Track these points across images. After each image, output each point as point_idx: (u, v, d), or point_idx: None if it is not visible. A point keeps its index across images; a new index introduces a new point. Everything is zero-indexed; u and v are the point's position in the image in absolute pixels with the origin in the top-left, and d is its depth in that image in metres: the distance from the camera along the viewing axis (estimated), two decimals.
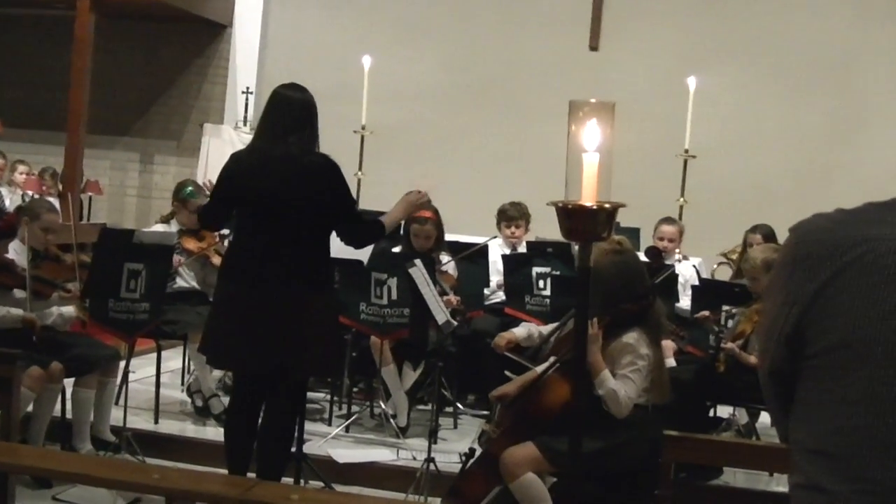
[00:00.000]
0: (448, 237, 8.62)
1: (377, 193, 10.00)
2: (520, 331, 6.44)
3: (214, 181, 6.20)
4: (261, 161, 5.79)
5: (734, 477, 6.87)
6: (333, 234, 5.99)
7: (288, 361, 5.82)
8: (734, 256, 9.35)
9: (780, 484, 6.32)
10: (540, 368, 5.71)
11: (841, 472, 1.77)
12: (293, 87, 6.00)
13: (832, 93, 12.29)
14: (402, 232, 8.39)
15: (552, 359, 5.71)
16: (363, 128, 10.99)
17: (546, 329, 6.43)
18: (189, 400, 8.15)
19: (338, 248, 6.16)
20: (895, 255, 1.74)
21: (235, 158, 6.04)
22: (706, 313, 7.57)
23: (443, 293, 7.79)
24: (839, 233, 1.82)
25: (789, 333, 1.87)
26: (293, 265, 5.76)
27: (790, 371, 1.90)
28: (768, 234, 8.77)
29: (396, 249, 8.35)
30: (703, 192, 11.03)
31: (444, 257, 8.37)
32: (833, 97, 12.29)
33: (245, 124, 13.41)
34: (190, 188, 8.37)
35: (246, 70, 13.96)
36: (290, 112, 5.85)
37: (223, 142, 13.36)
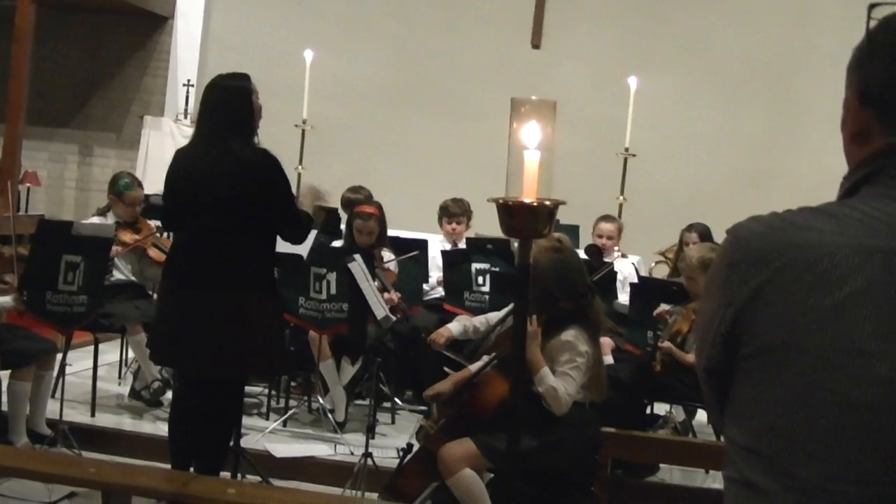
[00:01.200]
0: (389, 233, 8.61)
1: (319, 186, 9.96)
2: (455, 326, 6.46)
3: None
4: (203, 162, 5.75)
5: (670, 474, 6.92)
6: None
7: (233, 364, 5.81)
8: (671, 255, 9.42)
9: (715, 481, 6.38)
10: (475, 367, 5.73)
11: (771, 470, 1.80)
12: (227, 77, 5.97)
13: (769, 97, 12.41)
14: (343, 227, 8.40)
15: (486, 357, 5.73)
16: (304, 122, 10.97)
17: (479, 321, 6.46)
18: (126, 394, 8.10)
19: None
20: (825, 261, 1.77)
21: (180, 156, 5.99)
22: (666, 307, 7.61)
23: (384, 289, 7.79)
24: (772, 238, 1.86)
25: (723, 335, 1.90)
26: (236, 266, 5.73)
27: (725, 370, 1.93)
28: (704, 233, 8.84)
29: (337, 244, 8.34)
30: (641, 191, 11.11)
31: (386, 255, 8.36)
32: (770, 102, 12.40)
33: (186, 117, 13.32)
34: (125, 180, 8.29)
35: (187, 63, 13.86)
36: (225, 104, 5.81)
37: (163, 134, 13.29)
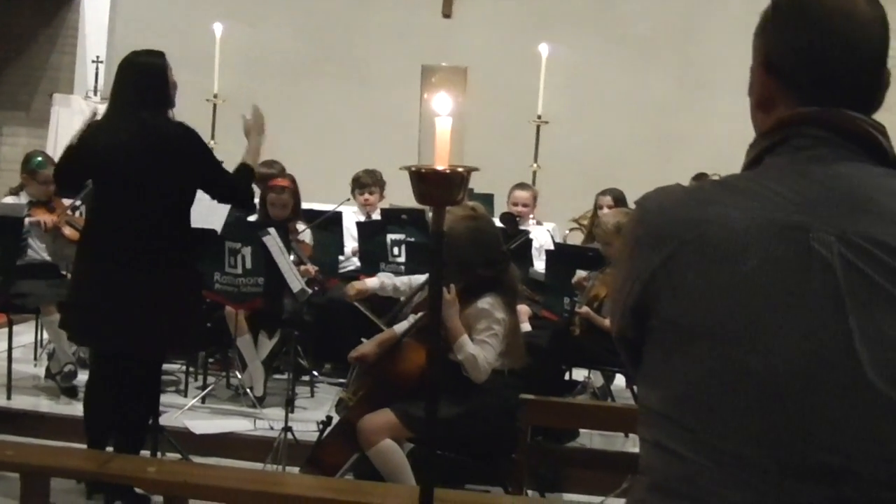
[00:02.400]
0: (303, 206, 8.56)
1: (231, 161, 9.90)
2: (372, 281, 6.47)
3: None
4: (118, 137, 5.66)
5: (590, 439, 6.97)
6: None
7: (150, 341, 5.76)
8: (585, 221, 9.47)
9: (635, 445, 6.40)
10: (399, 327, 5.74)
11: (684, 437, 1.83)
12: (141, 53, 5.89)
13: (678, 61, 12.47)
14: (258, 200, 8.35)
15: (412, 317, 5.73)
16: (215, 96, 10.88)
17: (401, 281, 6.46)
18: (42, 375, 8.00)
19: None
20: (728, 235, 1.80)
21: (93, 130, 5.92)
22: (583, 275, 7.64)
23: (300, 262, 7.77)
24: (677, 213, 1.88)
25: (632, 306, 1.93)
26: (152, 243, 5.66)
27: (636, 338, 1.95)
28: (618, 198, 8.89)
29: (251, 218, 8.29)
30: (555, 157, 11.13)
31: (301, 226, 8.33)
32: (679, 65, 12.47)
33: (96, 94, 13.12)
34: (39, 159, 8.19)
35: (96, 39, 13.65)
36: (140, 80, 5.74)
37: (73, 112, 13.07)
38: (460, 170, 2.94)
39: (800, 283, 1.76)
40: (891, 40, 1.92)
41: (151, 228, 5.66)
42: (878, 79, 1.91)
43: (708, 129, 11.80)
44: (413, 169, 2.94)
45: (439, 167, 2.91)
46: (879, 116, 1.91)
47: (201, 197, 5.99)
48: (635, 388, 7.15)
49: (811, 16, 1.87)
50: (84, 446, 5.86)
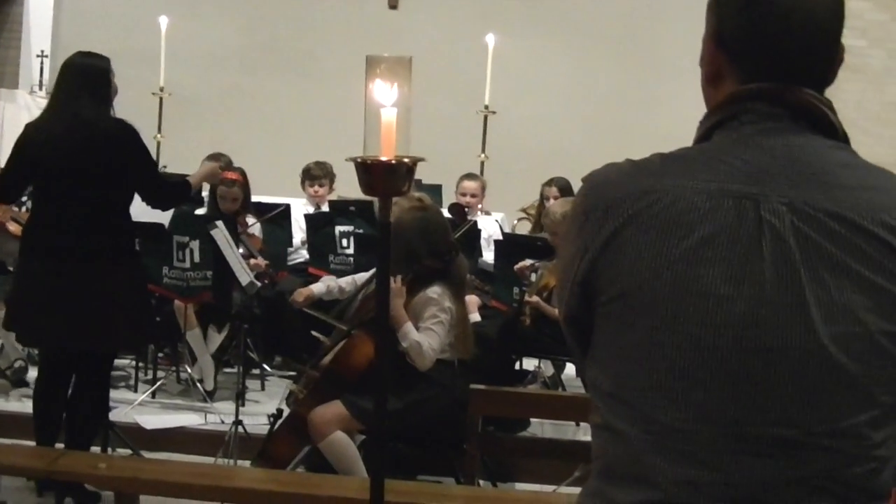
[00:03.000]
0: (252, 198, 8.54)
1: (178, 155, 9.88)
2: (318, 286, 6.46)
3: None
4: (56, 132, 5.65)
5: (542, 428, 7.00)
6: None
7: (97, 337, 5.73)
8: (532, 211, 9.49)
9: (586, 433, 6.46)
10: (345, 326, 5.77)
11: (631, 414, 1.83)
12: (86, 55, 5.88)
13: (624, 49, 12.49)
14: (206, 193, 8.32)
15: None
16: (161, 90, 10.82)
17: (345, 281, 6.48)
18: None
19: (138, 211, 6.08)
20: (678, 205, 1.80)
21: (31, 128, 5.88)
22: (526, 263, 7.66)
23: (250, 256, 7.77)
24: (627, 184, 1.88)
25: (581, 282, 1.92)
26: (94, 238, 5.64)
27: (585, 318, 1.95)
28: (564, 187, 8.91)
29: (200, 212, 8.25)
30: (503, 148, 11.14)
31: (250, 219, 8.31)
32: (625, 54, 12.48)
33: (41, 88, 13.00)
34: None
35: (40, 33, 13.53)
36: (83, 79, 5.73)
37: (18, 107, 12.96)
38: (406, 160, 2.95)
39: (752, 254, 1.76)
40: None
41: (92, 222, 5.64)
42: (830, 55, 1.91)
43: (655, 116, 11.83)
44: (359, 160, 2.95)
45: (384, 158, 2.92)
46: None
47: None
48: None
49: None
50: (33, 443, 5.84)
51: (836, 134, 1.88)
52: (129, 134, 5.74)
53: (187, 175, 6.30)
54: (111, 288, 5.67)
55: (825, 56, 1.91)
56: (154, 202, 6.06)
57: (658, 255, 1.80)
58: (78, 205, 5.61)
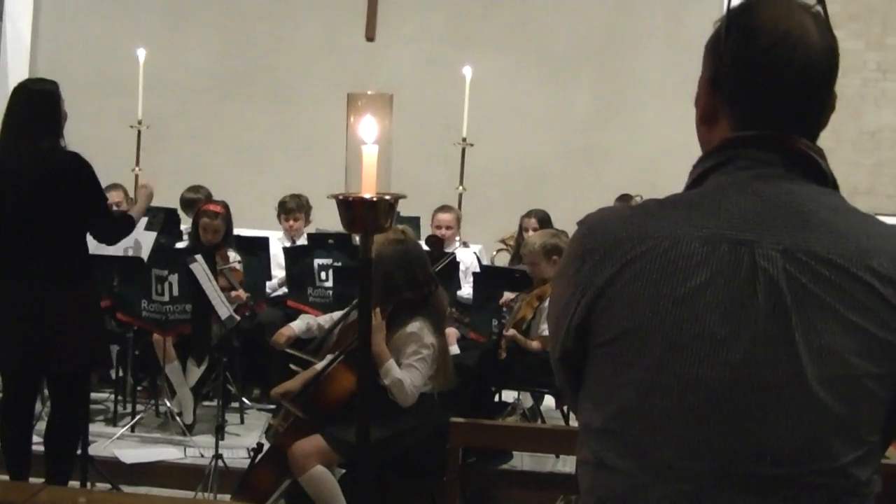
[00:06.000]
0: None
1: (156, 187, 9.86)
2: (298, 324, 6.45)
3: None
4: (12, 158, 5.69)
5: (521, 460, 6.99)
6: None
7: (49, 356, 5.74)
8: (511, 242, 9.51)
9: (566, 465, 6.47)
10: (320, 365, 5.74)
11: (626, 450, 1.86)
12: (39, 81, 6.00)
13: (600, 75, 12.49)
14: (186, 227, 8.31)
15: (329, 357, 5.74)
16: (139, 122, 10.80)
17: (324, 319, 6.47)
18: None
19: (117, 246, 6.10)
20: (675, 250, 1.83)
21: None
22: (511, 296, 7.68)
23: (231, 288, 7.76)
24: (624, 228, 1.90)
25: (578, 324, 1.94)
26: (46, 262, 5.67)
27: (579, 358, 1.97)
28: (543, 219, 8.95)
29: (181, 245, 8.25)
30: (481, 179, 11.15)
31: (231, 254, 8.30)
32: (601, 80, 12.48)
33: None
34: None
35: (17, 65, 13.52)
36: (38, 106, 5.78)
37: None
38: (387, 197, 2.97)
39: (747, 298, 1.80)
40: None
41: (47, 247, 5.68)
42: (824, 104, 1.95)
43: (631, 143, 11.87)
44: (340, 197, 2.96)
45: (366, 195, 2.93)
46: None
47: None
48: (566, 408, 7.21)
49: (761, 41, 1.89)
50: (7, 478, 5.81)
51: (827, 180, 1.92)
52: (81, 167, 5.78)
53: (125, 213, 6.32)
54: (60, 309, 5.70)
55: (819, 104, 1.95)
56: (100, 236, 6.10)
57: (656, 298, 1.84)
58: (30, 232, 5.66)
